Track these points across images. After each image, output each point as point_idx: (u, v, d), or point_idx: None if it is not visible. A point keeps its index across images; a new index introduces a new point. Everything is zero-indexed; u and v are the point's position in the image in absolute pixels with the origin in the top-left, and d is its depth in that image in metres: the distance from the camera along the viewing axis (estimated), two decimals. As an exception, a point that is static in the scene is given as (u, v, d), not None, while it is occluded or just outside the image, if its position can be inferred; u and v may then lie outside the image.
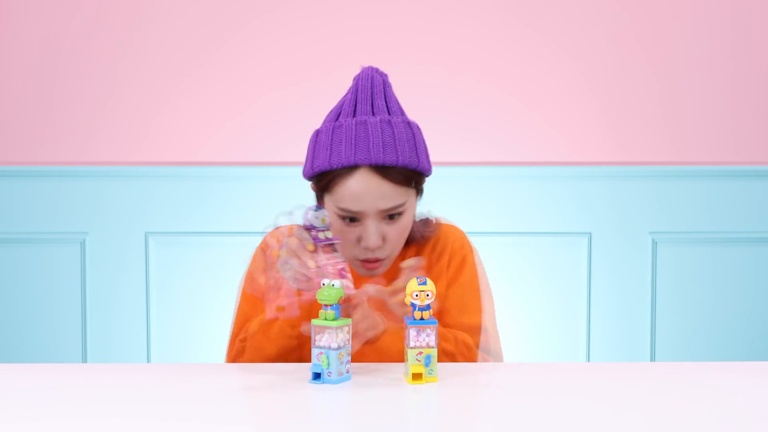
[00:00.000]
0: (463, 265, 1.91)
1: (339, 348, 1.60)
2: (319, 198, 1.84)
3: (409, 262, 1.73)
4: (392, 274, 1.87)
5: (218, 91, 3.11)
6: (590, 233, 3.10)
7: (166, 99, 3.11)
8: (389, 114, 1.79)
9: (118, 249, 3.10)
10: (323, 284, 1.61)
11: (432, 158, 1.90)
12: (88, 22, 3.09)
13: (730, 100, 3.12)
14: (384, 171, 1.75)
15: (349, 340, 1.63)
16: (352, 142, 1.75)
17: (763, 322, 3.13)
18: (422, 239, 1.91)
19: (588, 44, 3.10)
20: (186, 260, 3.09)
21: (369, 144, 1.74)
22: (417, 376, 1.61)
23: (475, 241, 1.99)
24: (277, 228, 1.96)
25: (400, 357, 1.74)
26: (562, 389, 1.61)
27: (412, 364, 1.61)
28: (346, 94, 1.82)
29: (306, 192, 1.91)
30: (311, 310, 1.72)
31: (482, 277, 1.94)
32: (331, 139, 1.77)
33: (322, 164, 1.77)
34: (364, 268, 1.83)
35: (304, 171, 1.84)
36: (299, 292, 1.68)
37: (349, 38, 3.07)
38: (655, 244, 3.10)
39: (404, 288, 1.64)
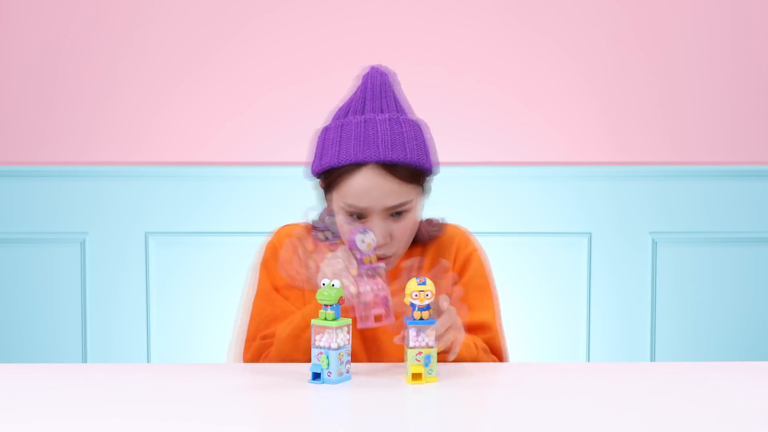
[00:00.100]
0: (468, 263, 1.91)
1: (339, 348, 1.60)
2: (325, 195, 1.84)
3: (409, 263, 1.73)
4: (396, 273, 1.88)
5: (218, 91, 3.10)
6: (590, 233, 3.10)
7: (166, 99, 3.11)
8: (398, 112, 1.79)
9: (118, 249, 3.09)
10: (323, 284, 1.61)
11: (432, 158, 1.90)
12: (87, 22, 3.09)
13: (730, 100, 3.12)
14: (391, 168, 1.75)
15: (349, 340, 1.63)
16: (360, 139, 1.75)
17: (763, 322, 3.13)
18: (429, 239, 1.92)
19: (588, 44, 3.10)
20: (186, 260, 3.09)
21: (377, 141, 1.75)
22: (417, 376, 1.61)
23: (475, 241, 1.99)
24: (285, 227, 1.96)
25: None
26: (562, 389, 1.61)
27: (412, 364, 1.61)
28: (355, 92, 1.83)
29: (305, 192, 1.91)
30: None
31: (488, 275, 1.94)
32: (340, 136, 1.78)
33: (330, 161, 1.78)
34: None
35: (311, 168, 1.84)
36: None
37: (349, 38, 3.07)
38: (655, 244, 3.10)
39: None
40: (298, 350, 1.78)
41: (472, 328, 1.83)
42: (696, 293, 3.12)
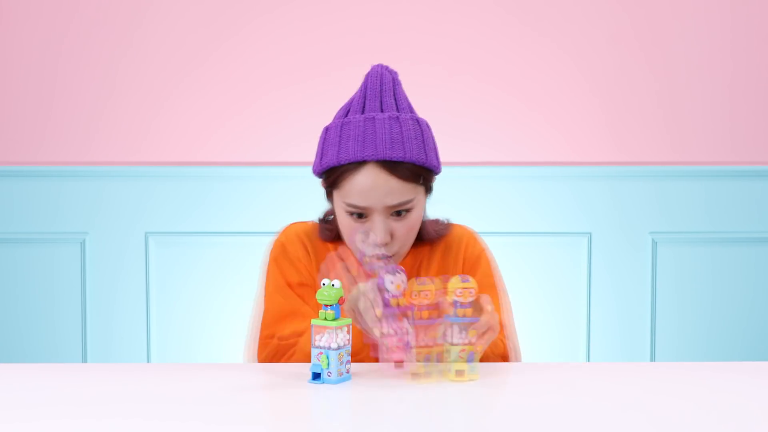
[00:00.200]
0: (477, 263, 1.92)
1: (339, 348, 1.60)
2: (329, 194, 1.84)
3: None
4: (406, 269, 1.88)
5: (218, 91, 3.11)
6: (590, 233, 3.10)
7: (166, 99, 3.11)
8: (398, 111, 1.79)
9: (118, 249, 3.10)
10: (323, 284, 1.61)
11: (432, 158, 1.90)
12: (87, 22, 3.09)
13: (730, 100, 3.12)
14: (391, 167, 1.75)
15: (349, 340, 1.63)
16: (360, 138, 1.75)
17: (763, 322, 3.13)
18: (437, 237, 1.92)
19: (588, 44, 3.10)
20: (186, 260, 3.09)
21: (376, 140, 1.75)
22: (460, 374, 1.61)
23: (475, 241, 1.99)
24: (293, 224, 1.96)
25: None
26: (562, 389, 1.61)
27: (455, 361, 1.61)
28: (357, 91, 1.83)
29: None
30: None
31: (496, 274, 1.95)
32: (340, 136, 1.78)
33: (330, 160, 1.78)
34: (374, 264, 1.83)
35: (313, 167, 1.85)
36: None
37: (349, 38, 3.07)
38: (655, 244, 3.11)
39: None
40: None
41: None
42: (696, 293, 3.12)
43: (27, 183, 3.08)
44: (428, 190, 1.86)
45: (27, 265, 3.10)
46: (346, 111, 1.82)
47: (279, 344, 1.83)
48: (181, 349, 3.11)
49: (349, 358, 1.63)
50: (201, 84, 3.10)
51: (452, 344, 1.61)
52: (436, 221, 1.94)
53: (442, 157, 1.93)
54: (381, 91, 1.80)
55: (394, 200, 1.76)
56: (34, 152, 3.11)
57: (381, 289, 1.64)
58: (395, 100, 1.81)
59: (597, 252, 3.10)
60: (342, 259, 1.74)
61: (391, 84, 1.82)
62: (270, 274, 1.92)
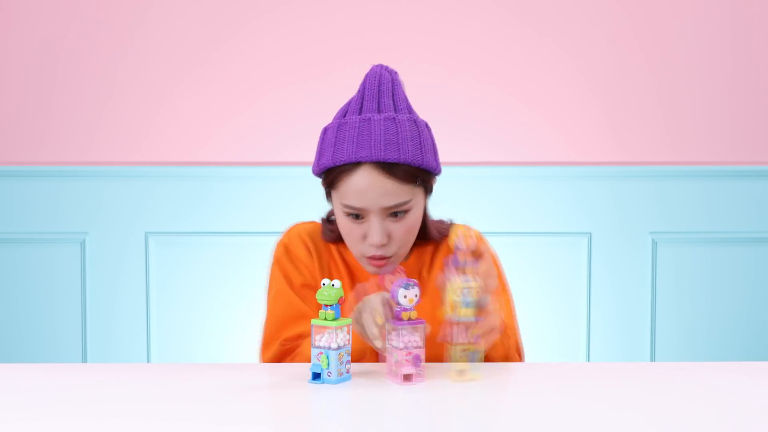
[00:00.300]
0: (471, 256, 1.90)
1: (339, 348, 1.60)
2: (328, 195, 1.84)
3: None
4: (408, 270, 1.88)
5: (218, 91, 3.11)
6: (590, 233, 3.10)
7: (166, 99, 3.11)
8: (396, 112, 1.79)
9: (118, 249, 3.09)
10: (323, 284, 1.61)
11: (433, 158, 1.90)
12: (87, 22, 3.09)
13: (730, 100, 3.12)
14: (387, 168, 1.75)
15: (349, 340, 1.62)
16: (356, 139, 1.75)
17: (763, 322, 3.13)
18: (440, 238, 1.92)
19: (588, 44, 3.10)
20: (186, 260, 3.09)
21: (371, 141, 1.75)
22: (461, 373, 1.61)
23: (475, 241, 1.99)
24: (296, 225, 1.96)
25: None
26: (562, 389, 1.61)
27: (458, 360, 1.60)
28: (356, 92, 1.83)
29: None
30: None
31: (500, 274, 1.94)
32: (336, 136, 1.78)
33: (327, 161, 1.78)
34: (372, 266, 1.83)
35: (312, 168, 1.85)
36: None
37: (349, 38, 3.07)
38: (655, 244, 3.10)
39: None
40: None
41: None
42: (696, 293, 3.12)
43: (27, 183, 3.08)
44: (428, 190, 1.85)
45: (27, 265, 3.10)
46: (344, 111, 1.82)
47: (281, 348, 1.83)
48: (181, 349, 3.11)
49: (349, 358, 1.63)
50: (201, 84, 3.10)
51: (455, 344, 1.61)
52: (440, 222, 1.94)
53: (443, 157, 1.93)
54: (379, 91, 1.80)
55: (390, 201, 1.76)
56: (34, 152, 3.11)
57: (391, 302, 1.63)
58: (393, 100, 1.80)
59: (597, 252, 3.10)
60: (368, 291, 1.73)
61: (390, 85, 1.81)
62: (273, 277, 1.92)
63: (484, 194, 3.07)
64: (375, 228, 1.76)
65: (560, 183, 3.08)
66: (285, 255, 1.91)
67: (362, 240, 1.79)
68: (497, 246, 2.04)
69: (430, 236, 1.90)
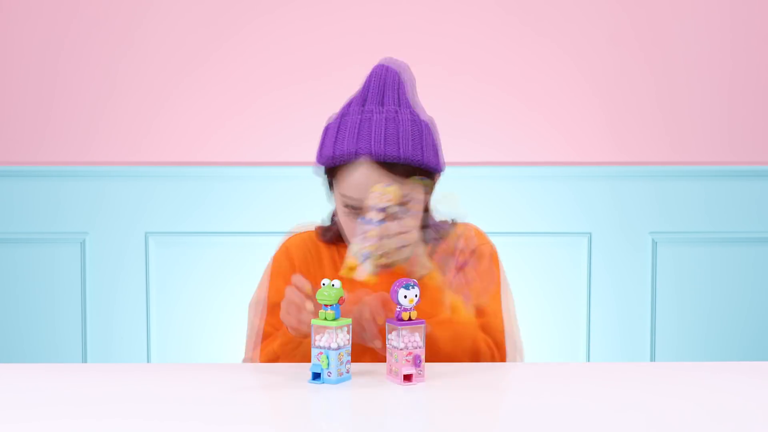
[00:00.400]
0: (471, 256, 1.90)
1: (339, 348, 1.60)
2: (331, 189, 1.85)
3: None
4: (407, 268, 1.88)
5: (218, 91, 3.10)
6: (590, 233, 3.10)
7: (166, 99, 3.11)
8: (398, 107, 1.79)
9: (118, 249, 3.09)
10: (323, 284, 1.61)
11: (432, 158, 1.90)
12: (88, 22, 3.09)
13: (730, 100, 3.12)
14: (386, 163, 1.75)
15: (349, 340, 1.62)
16: (356, 132, 1.76)
17: (763, 322, 3.13)
18: (439, 239, 1.92)
19: (588, 44, 3.10)
20: (186, 260, 3.09)
21: (371, 136, 1.75)
22: (351, 269, 1.66)
23: (475, 241, 1.99)
24: (290, 237, 1.96)
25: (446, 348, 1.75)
26: (562, 389, 1.61)
27: (351, 257, 1.67)
28: (360, 87, 1.84)
29: (305, 192, 1.91)
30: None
31: (494, 266, 1.93)
32: (338, 129, 1.79)
33: (327, 153, 1.79)
34: (368, 257, 1.83)
35: (315, 158, 1.86)
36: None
37: (350, 38, 3.07)
38: (655, 244, 3.10)
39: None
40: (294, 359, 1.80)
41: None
42: (696, 293, 3.12)
43: (27, 183, 3.08)
44: (430, 188, 1.85)
45: (27, 265, 3.10)
46: (349, 104, 1.83)
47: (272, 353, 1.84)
48: (181, 349, 3.11)
49: (349, 358, 1.63)
50: (201, 84, 3.10)
51: (353, 241, 1.67)
52: (443, 222, 1.94)
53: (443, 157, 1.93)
54: (384, 86, 1.81)
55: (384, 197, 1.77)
56: (34, 152, 3.11)
57: (390, 302, 1.64)
58: (398, 96, 1.81)
59: (597, 252, 3.10)
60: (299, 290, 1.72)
61: (396, 81, 1.82)
62: (261, 288, 1.93)
63: (484, 194, 3.07)
64: (370, 217, 1.77)
65: (560, 183, 3.08)
66: (275, 268, 1.91)
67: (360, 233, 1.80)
68: (497, 246, 2.04)
69: (430, 236, 1.90)
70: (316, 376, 1.60)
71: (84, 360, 3.11)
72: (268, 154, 3.10)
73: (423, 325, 1.62)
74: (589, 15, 3.09)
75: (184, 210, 3.08)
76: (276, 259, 1.94)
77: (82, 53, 3.09)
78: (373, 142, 1.75)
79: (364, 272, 1.65)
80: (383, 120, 1.77)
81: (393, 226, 1.68)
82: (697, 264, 3.11)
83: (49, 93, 3.10)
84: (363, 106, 1.80)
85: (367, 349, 1.80)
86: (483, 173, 3.07)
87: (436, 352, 1.75)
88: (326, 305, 1.60)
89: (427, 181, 1.82)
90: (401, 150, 1.76)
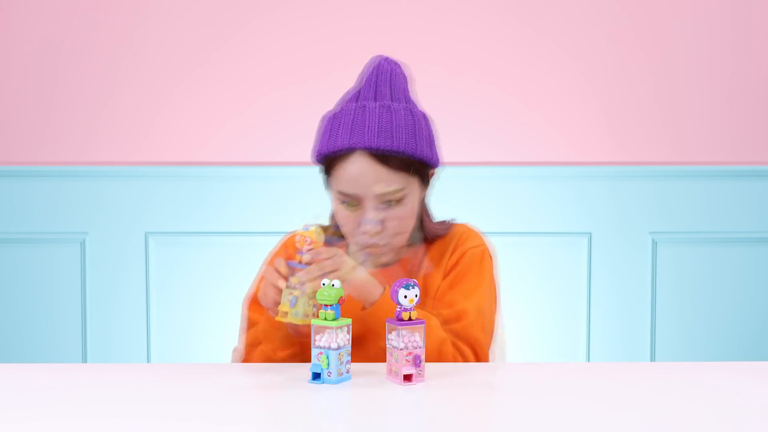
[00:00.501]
0: (461, 259, 1.90)
1: (339, 348, 1.60)
2: (326, 183, 1.85)
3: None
4: (402, 267, 1.88)
5: (218, 91, 3.11)
6: (590, 233, 3.10)
7: (166, 99, 3.11)
8: (392, 101, 1.80)
9: (118, 249, 3.09)
10: (323, 284, 1.61)
11: (432, 158, 1.90)
12: (88, 22, 3.09)
13: (730, 100, 3.12)
14: (381, 155, 1.76)
15: (349, 340, 1.62)
16: (350, 126, 1.77)
17: (763, 322, 3.13)
18: (435, 237, 1.92)
19: (588, 44, 3.10)
20: (186, 260, 3.09)
21: (365, 128, 1.76)
22: (283, 314, 1.67)
23: (475, 241, 1.99)
24: (293, 234, 1.97)
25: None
26: (562, 389, 1.61)
27: (283, 302, 1.66)
28: (356, 82, 1.85)
29: (305, 192, 1.91)
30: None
31: (487, 269, 1.92)
32: (332, 123, 1.80)
33: (322, 148, 1.81)
34: (366, 254, 1.83)
35: (311, 156, 1.86)
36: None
37: (350, 38, 3.07)
38: (655, 244, 3.10)
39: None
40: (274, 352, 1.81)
41: (448, 320, 1.81)
42: (696, 293, 3.12)
43: (27, 183, 3.08)
44: (425, 183, 1.85)
45: (27, 265, 3.10)
46: (343, 100, 1.84)
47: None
48: (181, 349, 3.11)
49: (349, 358, 1.63)
50: (201, 84, 3.10)
51: (286, 286, 1.67)
52: (441, 222, 1.94)
53: (443, 157, 1.93)
54: (377, 80, 1.82)
55: (382, 189, 1.77)
56: (34, 152, 3.11)
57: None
58: (390, 90, 1.82)
59: (597, 252, 3.10)
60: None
61: (388, 74, 1.83)
62: (254, 283, 1.94)
63: (484, 194, 3.07)
64: (369, 215, 1.78)
65: (560, 183, 3.08)
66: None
67: (357, 228, 1.80)
68: (497, 246, 2.03)
69: (427, 236, 1.91)
70: (316, 376, 1.60)
71: (84, 360, 3.11)
72: (268, 154, 3.10)
73: (423, 325, 1.62)
74: (589, 15, 3.09)
75: (184, 210, 3.08)
76: (273, 253, 1.94)
77: (82, 53, 3.09)
78: (367, 135, 1.76)
79: (296, 316, 1.67)
80: (377, 112, 1.78)
81: (314, 269, 1.67)
82: (697, 264, 3.11)
83: (49, 93, 3.10)
84: (357, 99, 1.81)
85: (370, 345, 1.80)
86: (483, 173, 3.08)
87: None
88: (326, 305, 1.60)
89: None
90: (395, 142, 1.76)
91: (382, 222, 1.79)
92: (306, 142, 1.90)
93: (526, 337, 3.09)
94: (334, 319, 1.60)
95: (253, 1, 3.09)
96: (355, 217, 1.80)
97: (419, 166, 1.81)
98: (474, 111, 3.09)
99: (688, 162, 3.11)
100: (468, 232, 1.95)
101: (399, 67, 1.85)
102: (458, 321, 1.82)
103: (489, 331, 1.86)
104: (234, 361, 1.93)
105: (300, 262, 1.69)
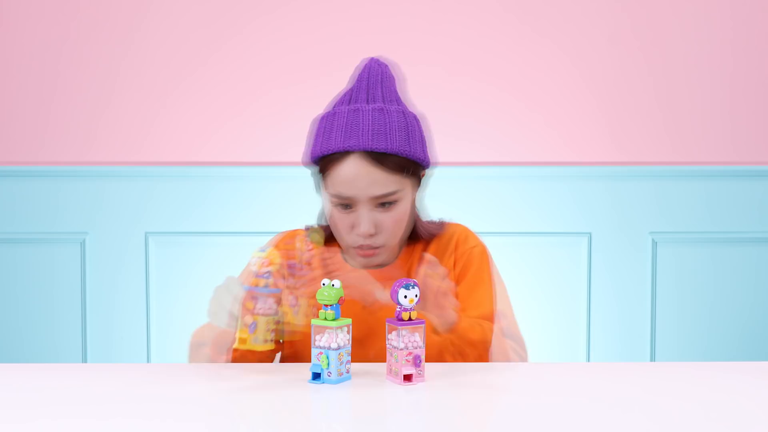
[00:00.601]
0: (470, 260, 1.91)
1: (339, 348, 1.60)
2: (318, 186, 1.85)
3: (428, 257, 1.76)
4: (398, 267, 1.88)
5: (218, 91, 3.11)
6: (590, 233, 3.10)
7: (166, 99, 3.11)
8: (386, 102, 1.80)
9: (118, 249, 3.10)
10: (323, 284, 1.61)
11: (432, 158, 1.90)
12: (88, 23, 3.09)
13: (730, 100, 3.12)
14: (375, 157, 1.76)
15: (349, 340, 1.63)
16: (345, 129, 1.77)
17: (763, 322, 3.13)
18: (429, 237, 1.92)
19: (587, 44, 3.10)
20: (186, 260, 3.09)
21: (360, 130, 1.76)
22: (242, 341, 1.67)
23: (475, 241, 1.99)
24: (287, 233, 1.97)
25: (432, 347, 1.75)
26: (562, 389, 1.61)
27: (241, 328, 1.67)
28: (348, 83, 1.85)
29: (305, 192, 1.91)
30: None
31: (492, 266, 1.94)
32: (326, 126, 1.80)
33: (316, 150, 1.80)
34: (360, 256, 1.83)
35: (302, 157, 1.86)
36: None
37: (349, 39, 3.08)
38: (655, 244, 3.10)
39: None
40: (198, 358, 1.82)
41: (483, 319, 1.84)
42: (696, 293, 3.12)
43: (27, 183, 3.08)
44: (418, 183, 1.85)
45: (27, 265, 3.10)
46: (335, 103, 1.84)
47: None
48: (181, 349, 3.10)
49: (349, 358, 1.63)
50: (201, 84, 3.10)
51: (243, 313, 1.68)
52: (431, 222, 1.94)
53: (443, 157, 1.93)
54: (369, 83, 1.82)
55: (379, 191, 1.77)
56: (34, 152, 3.11)
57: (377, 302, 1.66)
58: (383, 92, 1.82)
59: (597, 252, 3.10)
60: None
61: (380, 77, 1.83)
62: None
63: (484, 194, 3.07)
64: (363, 217, 1.78)
65: (560, 183, 3.09)
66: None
67: (351, 230, 1.80)
68: (497, 246, 2.04)
69: (420, 236, 1.91)
70: (316, 376, 1.60)
71: (84, 360, 3.11)
72: (268, 154, 3.10)
73: (423, 325, 1.62)
74: (588, 15, 3.09)
75: (184, 210, 3.08)
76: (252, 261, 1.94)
77: (83, 53, 3.09)
78: (362, 137, 1.76)
79: (255, 342, 1.67)
80: (371, 114, 1.78)
81: (270, 301, 1.67)
82: (698, 264, 3.11)
83: (49, 93, 3.10)
84: (350, 103, 1.81)
85: (370, 345, 1.80)
86: (483, 173, 3.08)
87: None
88: (326, 305, 1.60)
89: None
90: (390, 144, 1.76)
91: (377, 224, 1.79)
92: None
93: (526, 337, 3.09)
94: (334, 319, 1.60)
95: (252, 2, 3.09)
96: (349, 219, 1.80)
97: (413, 167, 1.81)
98: (474, 111, 3.09)
99: (688, 162, 3.11)
100: (465, 231, 1.96)
101: (389, 68, 1.86)
102: (491, 321, 1.85)
103: (507, 326, 1.93)
104: (193, 340, 1.92)
105: (299, 263, 1.69)
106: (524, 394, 1.60)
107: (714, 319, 3.12)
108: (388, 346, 1.62)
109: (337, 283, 1.61)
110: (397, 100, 1.83)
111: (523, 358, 1.89)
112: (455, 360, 1.76)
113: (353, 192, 1.77)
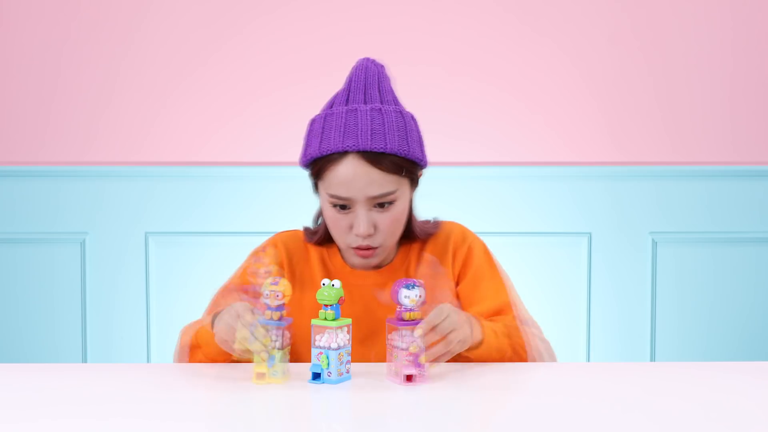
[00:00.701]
0: (469, 256, 1.91)
1: (339, 348, 1.60)
2: (315, 187, 1.85)
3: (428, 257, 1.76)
4: (394, 269, 1.88)
5: (218, 92, 3.11)
6: (590, 233, 3.10)
7: (166, 99, 3.11)
8: (381, 103, 1.80)
9: (118, 249, 3.10)
10: (323, 284, 1.61)
11: (432, 158, 1.90)
12: (88, 23, 3.09)
13: (730, 100, 3.12)
14: (373, 158, 1.76)
15: (349, 340, 1.62)
16: (341, 129, 1.77)
17: (763, 322, 3.13)
18: (425, 236, 1.92)
19: (587, 44, 3.10)
20: (186, 260, 3.09)
21: (357, 131, 1.76)
22: (260, 376, 1.60)
23: (475, 241, 1.99)
24: (282, 232, 1.97)
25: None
26: (562, 389, 1.61)
27: (257, 363, 1.59)
28: (343, 84, 1.85)
29: (305, 192, 1.91)
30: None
31: (492, 260, 1.94)
32: (323, 127, 1.79)
33: (313, 151, 1.80)
34: (358, 256, 1.83)
35: (299, 159, 1.86)
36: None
37: (349, 39, 3.08)
38: (655, 244, 3.10)
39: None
40: (183, 359, 1.81)
41: (491, 316, 1.84)
42: (696, 293, 3.12)
43: (27, 183, 3.08)
44: (414, 183, 1.86)
45: (27, 265, 3.10)
46: (331, 103, 1.84)
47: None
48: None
49: (349, 358, 1.63)
50: (201, 84, 3.10)
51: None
52: (426, 222, 1.95)
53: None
54: (365, 83, 1.82)
55: (376, 191, 1.77)
56: (34, 152, 3.11)
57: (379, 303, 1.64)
58: (379, 92, 1.82)
59: (597, 252, 3.10)
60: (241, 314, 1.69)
61: (376, 77, 1.83)
62: (232, 276, 1.95)
63: (484, 194, 3.07)
64: (361, 218, 1.77)
65: (560, 183, 3.09)
66: (252, 258, 1.89)
67: (348, 231, 1.80)
68: (497, 246, 2.04)
69: (416, 235, 1.91)
70: (316, 376, 1.60)
71: (84, 360, 3.11)
72: (268, 154, 3.10)
73: (422, 324, 1.61)
74: (588, 15, 3.09)
75: (184, 210, 3.08)
76: (248, 259, 1.93)
77: (83, 53, 3.09)
78: (359, 137, 1.75)
79: (274, 376, 1.60)
80: (368, 115, 1.78)
81: (287, 333, 1.63)
82: (698, 264, 3.11)
83: (49, 93, 3.10)
84: (346, 103, 1.81)
85: (371, 345, 1.80)
86: (483, 173, 3.08)
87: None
88: (326, 305, 1.60)
89: None
90: (388, 144, 1.76)
91: (375, 224, 1.79)
92: (306, 141, 1.89)
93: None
94: (334, 319, 1.60)
95: (252, 2, 3.09)
96: (347, 219, 1.80)
97: (411, 167, 1.81)
98: (474, 111, 3.09)
99: (688, 162, 3.11)
100: (461, 229, 1.96)
101: (384, 68, 1.86)
102: (504, 314, 1.87)
103: (520, 316, 1.93)
104: (182, 338, 1.92)
105: (264, 314, 1.61)
106: (524, 393, 1.60)
107: (714, 319, 3.12)
108: (388, 346, 1.62)
109: (337, 283, 1.61)
110: (394, 100, 1.83)
111: (544, 340, 1.89)
112: (512, 360, 1.78)
113: (351, 193, 1.76)
